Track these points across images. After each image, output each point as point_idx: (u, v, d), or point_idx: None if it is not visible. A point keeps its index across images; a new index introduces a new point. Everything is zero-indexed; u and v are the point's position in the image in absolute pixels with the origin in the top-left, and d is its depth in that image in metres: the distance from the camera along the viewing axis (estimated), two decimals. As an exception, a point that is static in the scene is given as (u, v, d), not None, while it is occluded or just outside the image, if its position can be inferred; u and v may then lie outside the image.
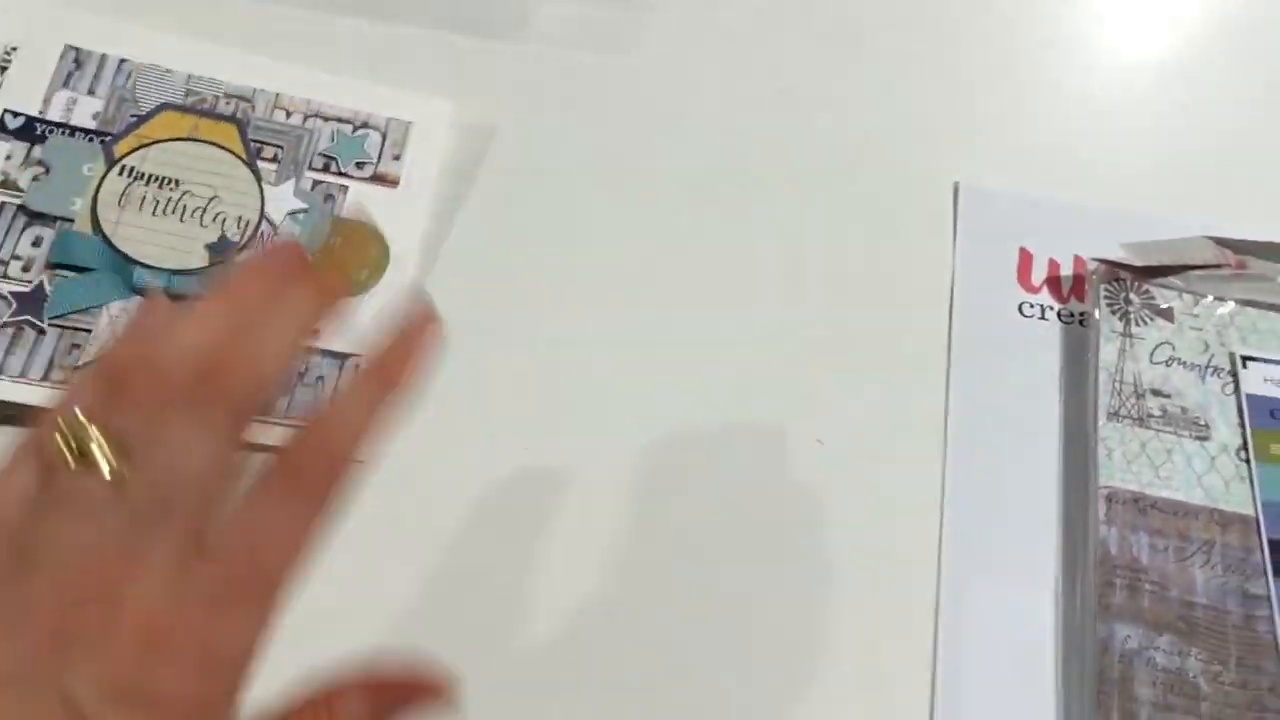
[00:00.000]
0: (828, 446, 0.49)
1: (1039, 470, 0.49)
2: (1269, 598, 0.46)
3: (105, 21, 0.53)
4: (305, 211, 0.51)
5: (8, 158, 0.49)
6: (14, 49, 0.51)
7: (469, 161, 0.53)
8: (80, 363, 0.45)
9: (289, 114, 0.53)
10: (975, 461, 0.49)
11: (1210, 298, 0.52)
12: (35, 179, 0.49)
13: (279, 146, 0.52)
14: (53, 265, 0.47)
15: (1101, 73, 0.61)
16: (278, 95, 0.53)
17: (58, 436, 0.29)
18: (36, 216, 0.48)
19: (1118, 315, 0.51)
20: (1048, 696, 0.45)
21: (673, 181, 0.55)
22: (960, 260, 0.54)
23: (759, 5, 0.60)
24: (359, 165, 0.52)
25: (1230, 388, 0.50)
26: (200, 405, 0.30)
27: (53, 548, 0.28)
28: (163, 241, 0.49)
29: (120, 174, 0.50)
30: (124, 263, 0.48)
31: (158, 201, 0.49)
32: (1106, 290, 0.52)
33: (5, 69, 0.51)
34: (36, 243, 0.48)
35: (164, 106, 0.52)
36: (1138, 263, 0.52)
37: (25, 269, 0.47)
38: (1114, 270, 0.52)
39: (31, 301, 0.47)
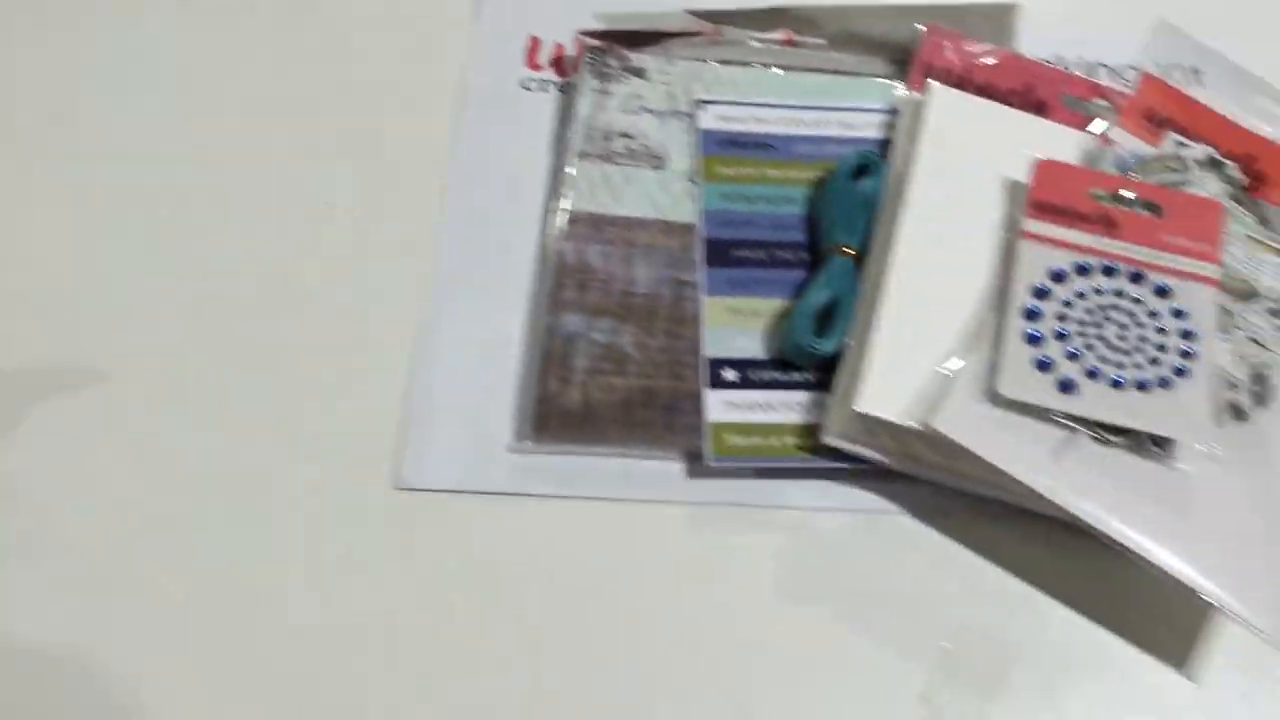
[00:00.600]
0: (338, 210, 0.58)
1: (526, 211, 0.58)
2: (695, 283, 0.55)
3: None
4: None
5: None
6: None
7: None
8: None
9: None
10: (471, 210, 0.58)
11: (684, 59, 0.60)
12: None
13: None
14: None
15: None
16: None
17: None
18: None
19: (597, 76, 0.60)
20: (510, 377, 0.53)
21: None
22: (475, 50, 0.62)
23: None
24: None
25: (688, 127, 0.59)
26: None
27: None
28: None
29: None
30: None
31: None
32: (590, 58, 0.60)
33: None
34: None
35: None
36: (616, 28, 0.60)
37: None
38: (602, 42, 0.61)
39: None
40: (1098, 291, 0.51)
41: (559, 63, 0.62)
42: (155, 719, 0.46)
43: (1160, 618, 0.50)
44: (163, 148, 0.59)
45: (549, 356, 0.53)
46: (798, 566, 0.50)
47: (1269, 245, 0.54)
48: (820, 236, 0.56)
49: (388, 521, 0.50)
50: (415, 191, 0.58)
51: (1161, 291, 0.51)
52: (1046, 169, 0.54)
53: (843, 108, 0.60)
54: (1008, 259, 0.52)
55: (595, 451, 0.52)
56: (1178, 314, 0.50)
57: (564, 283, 0.54)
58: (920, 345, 0.51)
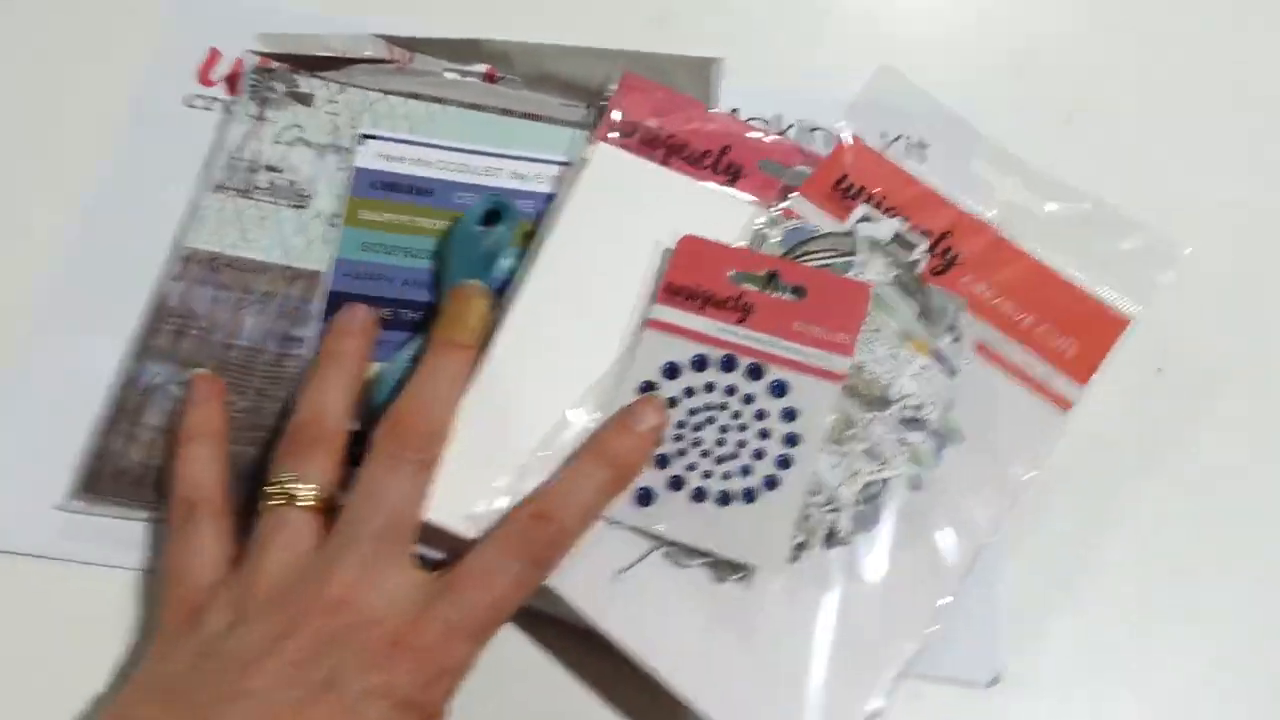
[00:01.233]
0: None
1: (155, 245, 0.53)
2: (306, 340, 0.50)
3: None
4: None
5: None
6: None
7: None
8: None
9: None
10: (98, 236, 0.54)
11: (357, 88, 0.56)
12: None
13: None
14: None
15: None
16: None
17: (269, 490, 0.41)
18: None
19: (256, 101, 0.55)
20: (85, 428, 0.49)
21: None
22: (148, 60, 0.58)
23: None
24: None
25: (345, 165, 0.54)
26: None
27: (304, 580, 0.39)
28: None
29: None
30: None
31: None
32: (254, 79, 0.56)
33: None
34: None
35: None
36: (277, 50, 0.56)
37: None
38: (268, 62, 0.56)
39: None
40: (708, 388, 0.46)
41: (232, 80, 0.58)
42: None
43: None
44: None
45: (121, 409, 0.49)
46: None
47: (918, 343, 0.48)
48: (437, 289, 0.51)
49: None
50: (48, 208, 0.54)
51: (778, 389, 0.46)
52: (689, 247, 0.49)
53: (520, 156, 0.55)
54: (631, 348, 0.47)
55: (141, 517, 0.47)
56: (788, 415, 0.46)
57: (159, 328, 0.50)
58: (513, 439, 0.46)
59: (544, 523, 0.41)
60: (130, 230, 0.53)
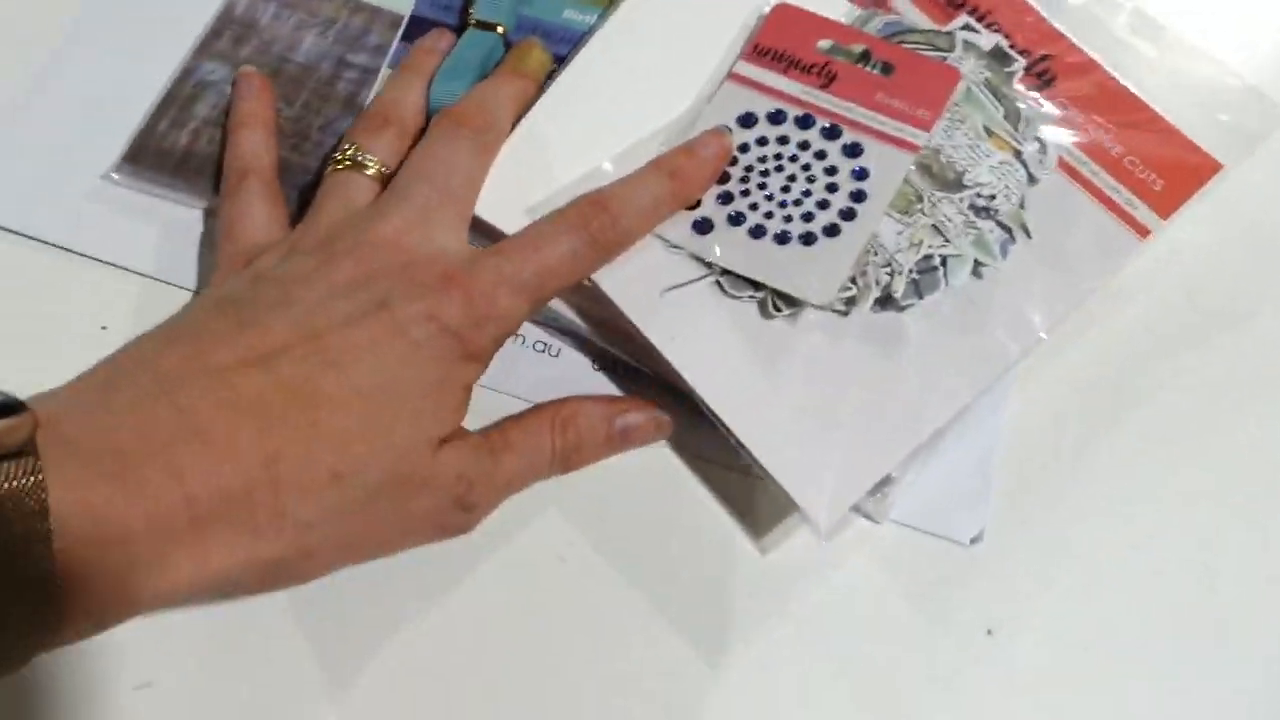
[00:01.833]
0: None
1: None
2: (359, 65, 0.49)
3: None
4: None
5: None
6: None
7: None
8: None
9: None
10: None
11: None
12: None
13: None
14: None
15: None
16: None
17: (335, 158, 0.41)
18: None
19: None
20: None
21: None
22: None
23: None
24: None
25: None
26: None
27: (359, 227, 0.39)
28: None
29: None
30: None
31: None
32: None
33: None
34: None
35: None
36: None
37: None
38: None
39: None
40: (782, 140, 0.44)
41: None
42: None
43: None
44: None
45: (171, 98, 0.48)
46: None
47: (1000, 141, 0.46)
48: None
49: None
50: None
51: (851, 149, 0.44)
52: (783, 12, 0.47)
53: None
54: (709, 96, 0.45)
55: (179, 199, 0.46)
56: (858, 174, 0.43)
57: (221, 31, 0.49)
58: (567, 154, 0.44)
59: (602, 210, 0.40)
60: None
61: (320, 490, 0.33)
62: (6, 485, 0.27)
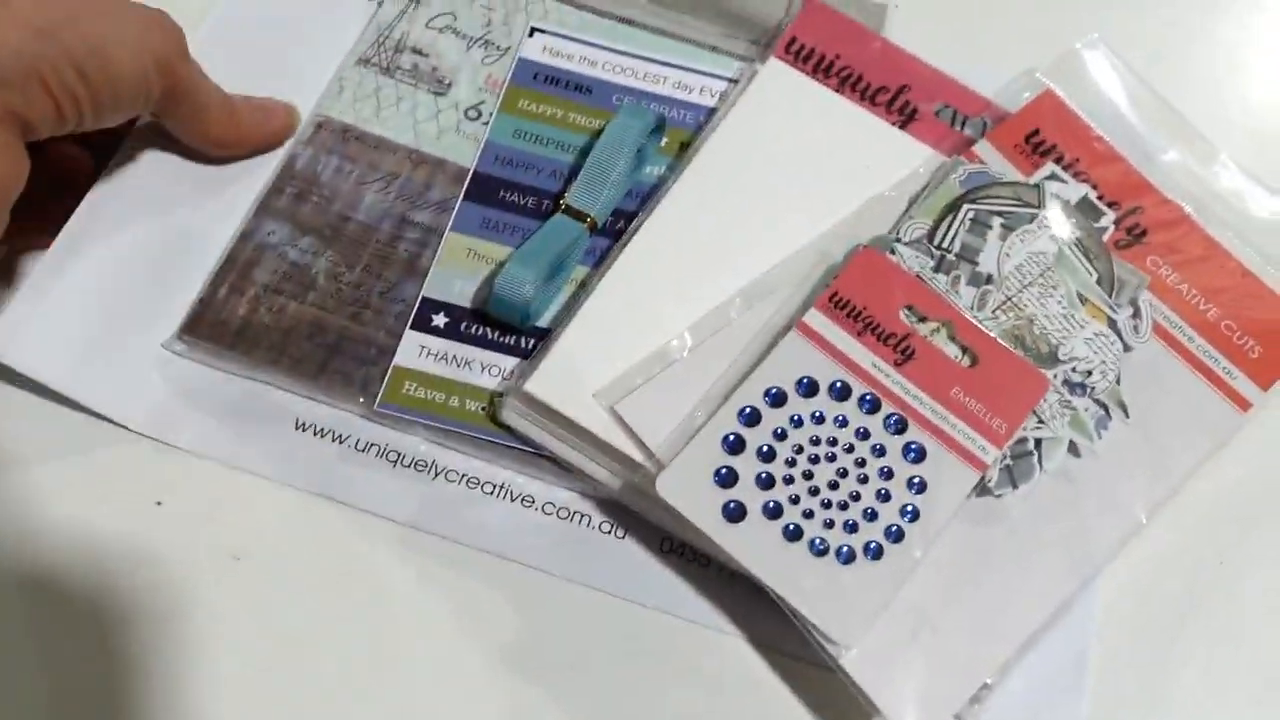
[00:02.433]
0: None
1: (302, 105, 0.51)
2: (422, 225, 0.47)
3: None
4: None
5: None
6: None
7: None
8: None
9: None
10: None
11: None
12: None
13: None
14: None
15: None
16: None
17: None
18: None
19: (410, -12, 0.53)
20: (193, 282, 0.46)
21: None
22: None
23: None
24: None
25: (492, 59, 0.51)
26: None
27: None
28: None
29: None
30: None
31: None
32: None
33: None
34: None
35: None
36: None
37: None
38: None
39: None
40: (841, 423, 0.41)
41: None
42: None
43: None
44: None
45: (231, 261, 0.46)
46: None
47: (1094, 309, 0.43)
48: (567, 183, 0.48)
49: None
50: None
51: (914, 454, 0.41)
52: (866, 260, 0.44)
53: (686, 67, 0.52)
54: (770, 339, 0.43)
55: (235, 371, 0.45)
56: (916, 487, 0.41)
57: (282, 188, 0.48)
58: (627, 339, 0.43)
59: None
60: (271, 85, 0.50)
61: None
62: None
